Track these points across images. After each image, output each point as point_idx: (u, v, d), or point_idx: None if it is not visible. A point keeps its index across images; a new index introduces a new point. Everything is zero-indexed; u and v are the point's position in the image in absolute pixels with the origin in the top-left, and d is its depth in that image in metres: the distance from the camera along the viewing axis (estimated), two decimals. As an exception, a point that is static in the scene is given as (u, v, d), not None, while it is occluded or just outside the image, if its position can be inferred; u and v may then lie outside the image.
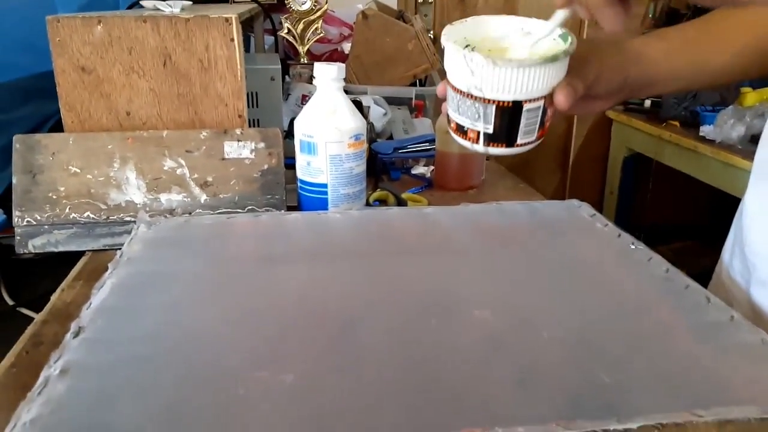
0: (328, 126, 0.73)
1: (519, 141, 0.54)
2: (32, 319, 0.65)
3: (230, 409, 0.36)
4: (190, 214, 0.73)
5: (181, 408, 0.36)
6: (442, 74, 0.56)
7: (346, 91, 0.77)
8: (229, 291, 0.51)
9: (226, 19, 0.74)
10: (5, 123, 0.92)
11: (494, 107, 0.51)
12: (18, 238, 0.71)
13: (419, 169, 1.02)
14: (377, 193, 0.87)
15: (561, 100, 0.52)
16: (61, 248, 0.71)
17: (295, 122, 0.76)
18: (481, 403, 0.37)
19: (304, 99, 1.26)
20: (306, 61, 1.45)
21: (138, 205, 0.72)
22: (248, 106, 0.79)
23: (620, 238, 0.60)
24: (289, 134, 0.91)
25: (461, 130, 0.55)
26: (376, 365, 0.41)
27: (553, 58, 0.50)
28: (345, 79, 0.75)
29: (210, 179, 0.74)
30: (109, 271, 0.51)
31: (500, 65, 0.49)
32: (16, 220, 0.70)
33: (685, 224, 2.50)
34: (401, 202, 0.85)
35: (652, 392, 0.38)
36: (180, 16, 0.75)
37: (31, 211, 0.71)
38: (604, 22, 0.46)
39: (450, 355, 0.42)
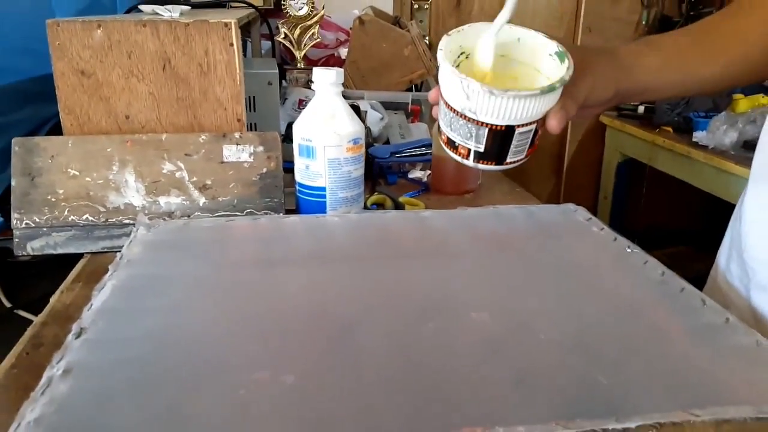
0: (327, 130, 0.73)
1: (508, 160, 0.55)
2: (29, 321, 0.65)
3: (231, 410, 0.36)
4: (188, 217, 0.73)
5: (182, 408, 0.37)
6: (438, 80, 0.56)
7: (344, 96, 0.77)
8: (229, 293, 0.51)
9: (226, 24, 0.75)
10: (3, 126, 0.93)
11: (487, 130, 0.52)
12: (17, 240, 0.71)
13: (416, 174, 1.02)
14: (375, 197, 0.87)
15: (554, 125, 0.53)
16: (59, 250, 0.71)
17: (294, 126, 0.76)
18: (481, 403, 0.37)
19: (301, 104, 1.26)
20: (303, 66, 1.45)
21: (137, 208, 0.73)
22: (246, 111, 0.80)
23: (616, 242, 0.60)
24: (286, 138, 0.92)
25: (452, 145, 0.56)
26: (376, 367, 0.41)
27: (550, 89, 0.50)
28: (343, 84, 0.76)
29: (209, 182, 0.74)
30: (109, 273, 0.52)
31: (497, 95, 0.49)
32: (14, 222, 0.70)
33: (679, 229, 2.52)
34: (399, 206, 0.85)
35: (649, 393, 0.38)
36: (179, 20, 0.75)
37: (29, 213, 0.71)
38: None
39: (448, 356, 0.43)
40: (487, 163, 0.55)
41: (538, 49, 0.55)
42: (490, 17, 0.53)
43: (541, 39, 0.55)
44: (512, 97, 0.49)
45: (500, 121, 0.51)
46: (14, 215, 0.71)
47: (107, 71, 0.75)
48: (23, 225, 0.70)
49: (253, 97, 1.01)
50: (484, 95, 0.49)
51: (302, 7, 1.43)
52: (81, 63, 0.74)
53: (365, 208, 0.82)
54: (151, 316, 0.47)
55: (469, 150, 0.54)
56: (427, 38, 2.36)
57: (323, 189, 0.75)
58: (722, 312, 0.47)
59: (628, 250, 0.58)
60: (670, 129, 2.01)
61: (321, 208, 0.76)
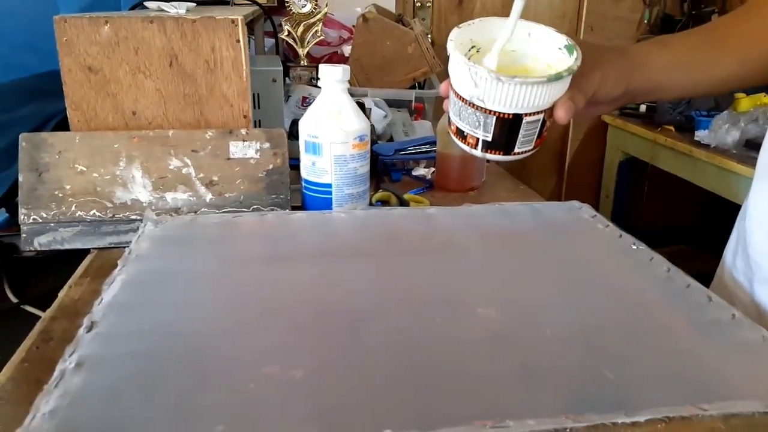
0: (333, 127, 0.74)
1: (516, 150, 0.55)
2: (36, 316, 0.65)
3: (241, 403, 0.37)
4: (195, 213, 0.73)
5: (192, 401, 0.37)
6: (442, 77, 0.56)
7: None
8: (237, 288, 0.51)
9: (232, 21, 0.75)
10: (8, 123, 0.93)
11: (495, 118, 0.52)
12: (24, 235, 0.71)
13: (420, 171, 1.03)
14: (379, 194, 0.87)
15: (561, 115, 0.53)
16: (67, 246, 0.71)
17: (300, 123, 0.76)
18: (490, 397, 0.38)
19: (305, 101, 1.27)
20: (306, 64, 1.46)
21: (144, 204, 0.73)
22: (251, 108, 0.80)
23: (621, 239, 0.61)
24: (290, 135, 0.92)
25: (461, 134, 0.56)
26: (384, 361, 0.41)
27: (557, 77, 0.50)
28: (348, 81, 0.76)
29: (215, 179, 0.75)
30: (118, 267, 0.52)
31: (504, 81, 0.49)
32: (22, 218, 0.71)
33: (680, 228, 2.52)
34: (403, 203, 0.86)
35: (656, 388, 0.38)
36: (186, 17, 0.75)
37: (37, 209, 0.71)
38: None
39: (456, 351, 0.43)
40: (495, 153, 0.55)
41: (548, 43, 0.55)
42: (493, 14, 0.53)
43: (551, 33, 0.55)
44: (519, 84, 0.49)
45: (508, 109, 0.51)
46: (21, 211, 0.71)
47: (114, 67, 0.75)
48: (30, 220, 0.71)
49: (258, 94, 1.01)
50: (491, 82, 0.50)
51: (306, 5, 1.43)
52: (88, 59, 0.74)
53: (370, 204, 0.82)
54: (161, 310, 0.47)
55: (478, 139, 0.54)
56: (430, 36, 2.37)
57: (329, 185, 0.76)
58: (728, 308, 0.47)
59: (634, 247, 0.59)
60: (671, 128, 2.02)
61: (327, 204, 0.77)
